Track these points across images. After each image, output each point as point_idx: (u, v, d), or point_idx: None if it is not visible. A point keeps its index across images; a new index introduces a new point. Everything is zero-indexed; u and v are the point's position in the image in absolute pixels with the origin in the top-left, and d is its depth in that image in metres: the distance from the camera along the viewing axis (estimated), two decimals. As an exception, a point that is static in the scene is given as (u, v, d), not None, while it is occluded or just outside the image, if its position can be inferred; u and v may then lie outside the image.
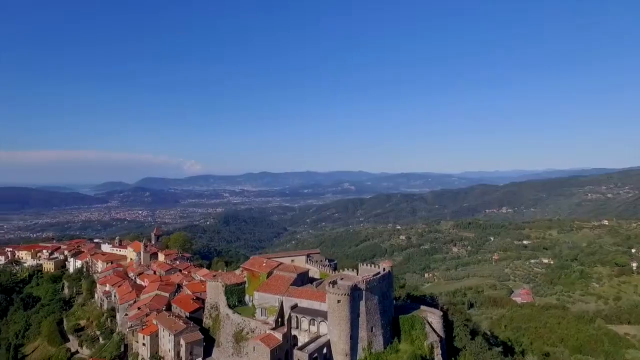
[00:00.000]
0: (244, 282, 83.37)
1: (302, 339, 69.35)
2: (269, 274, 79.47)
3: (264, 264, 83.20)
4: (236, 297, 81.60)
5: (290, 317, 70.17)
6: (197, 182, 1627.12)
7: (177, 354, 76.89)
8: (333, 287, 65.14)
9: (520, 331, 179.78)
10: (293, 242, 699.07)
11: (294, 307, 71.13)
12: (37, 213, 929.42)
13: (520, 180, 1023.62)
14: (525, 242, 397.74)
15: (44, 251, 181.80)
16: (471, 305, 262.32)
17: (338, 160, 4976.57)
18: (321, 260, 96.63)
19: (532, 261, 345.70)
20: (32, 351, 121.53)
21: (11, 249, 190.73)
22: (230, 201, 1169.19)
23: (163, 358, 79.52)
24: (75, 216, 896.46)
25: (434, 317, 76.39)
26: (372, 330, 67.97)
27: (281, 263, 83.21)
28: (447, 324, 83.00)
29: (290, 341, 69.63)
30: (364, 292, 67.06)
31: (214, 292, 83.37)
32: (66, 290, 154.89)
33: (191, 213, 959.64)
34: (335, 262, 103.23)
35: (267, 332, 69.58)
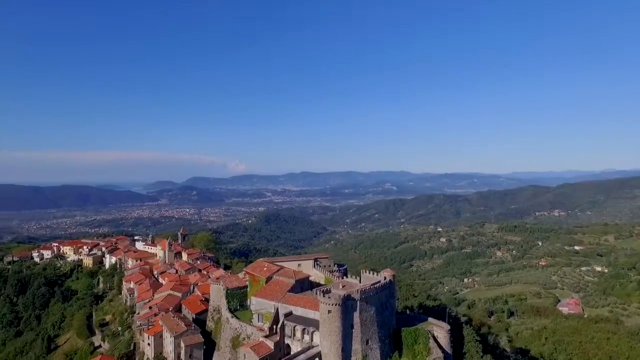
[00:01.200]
0: (246, 286, 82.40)
1: (295, 348, 67.00)
2: (268, 278, 77.87)
3: (265, 268, 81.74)
4: (237, 301, 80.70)
5: (283, 325, 68.08)
6: (241, 181, 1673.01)
7: (178, 355, 77.24)
8: (324, 296, 62.16)
9: (561, 345, 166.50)
10: (332, 242, 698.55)
11: (288, 315, 68.93)
12: (96, 210, 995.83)
13: (575, 181, 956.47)
14: (577, 247, 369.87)
15: (84, 247, 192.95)
16: (511, 314, 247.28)
17: (380, 160, 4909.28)
18: (329, 266, 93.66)
19: (584, 269, 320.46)
20: (64, 342, 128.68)
21: (57, 244, 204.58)
22: (272, 200, 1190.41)
23: (166, 359, 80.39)
24: (128, 213, 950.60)
25: (440, 331, 71.11)
26: (367, 343, 64.23)
27: (282, 268, 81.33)
28: (458, 339, 77.13)
29: (283, 350, 67.55)
30: (358, 302, 63.51)
31: (217, 295, 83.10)
32: (101, 286, 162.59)
33: (235, 211, 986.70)
34: (345, 267, 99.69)
35: (260, 339, 67.94)
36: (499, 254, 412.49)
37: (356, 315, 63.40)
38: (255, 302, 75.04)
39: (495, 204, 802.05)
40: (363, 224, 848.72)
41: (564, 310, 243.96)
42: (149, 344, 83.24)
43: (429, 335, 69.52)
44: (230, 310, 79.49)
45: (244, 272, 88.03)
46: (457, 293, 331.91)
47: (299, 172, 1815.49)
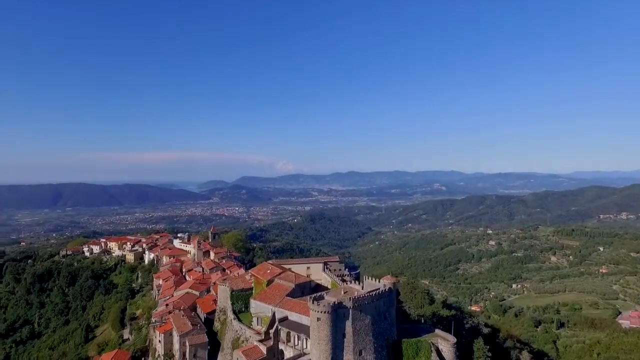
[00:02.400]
0: (252, 288, 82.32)
1: (288, 354, 65.64)
2: (269, 281, 77.14)
3: (268, 271, 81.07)
4: (242, 302, 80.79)
5: (277, 330, 67.00)
6: (289, 181, 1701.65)
7: (183, 354, 78.89)
8: (314, 302, 60.20)
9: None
10: (376, 242, 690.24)
11: (284, 320, 67.66)
12: (154, 207, 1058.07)
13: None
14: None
15: (128, 243, 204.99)
16: (561, 325, 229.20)
17: (428, 160, 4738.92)
18: (340, 269, 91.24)
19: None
20: (100, 333, 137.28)
21: (104, 240, 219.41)
22: (318, 200, 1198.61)
23: (174, 357, 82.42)
24: (182, 211, 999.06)
25: (445, 344, 66.35)
26: (360, 354, 61.32)
27: (284, 271, 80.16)
28: (467, 353, 71.58)
29: (277, 355, 66.46)
30: (350, 310, 60.81)
31: (223, 296, 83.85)
32: (139, 280, 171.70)
33: (282, 210, 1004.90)
34: (358, 271, 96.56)
35: (254, 343, 67.36)
36: (553, 259, 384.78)
37: (348, 324, 60.73)
38: (254, 305, 74.68)
39: (554, 205, 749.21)
40: (409, 224, 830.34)
41: (624, 323, 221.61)
42: (159, 341, 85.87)
43: (432, 348, 65.12)
44: (234, 312, 79.86)
45: (250, 274, 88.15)
46: (504, 299, 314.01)
47: (346, 171, 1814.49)
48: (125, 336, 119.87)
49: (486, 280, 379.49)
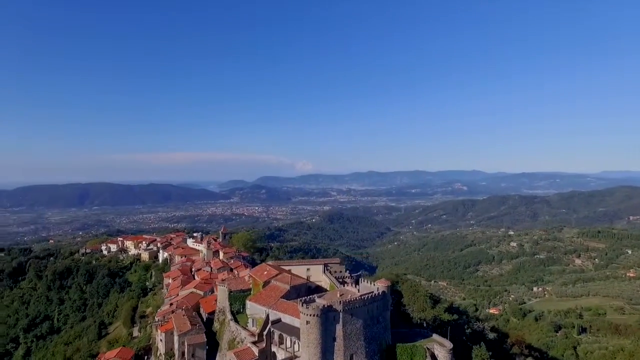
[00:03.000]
0: (250, 289, 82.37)
1: (280, 356, 65.22)
2: (265, 283, 76.92)
3: (265, 272, 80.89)
4: (240, 303, 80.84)
5: (270, 332, 66.71)
6: (308, 181, 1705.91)
7: (182, 354, 79.66)
8: (303, 305, 59.59)
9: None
10: (395, 243, 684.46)
11: (276, 322, 67.27)
12: (176, 206, 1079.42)
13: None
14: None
15: (143, 242, 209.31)
16: (583, 330, 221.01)
17: (449, 159, 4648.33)
18: (341, 271, 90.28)
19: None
20: (113, 330, 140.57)
21: (122, 239, 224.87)
22: (337, 200, 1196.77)
23: (174, 356, 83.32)
24: (203, 210, 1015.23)
25: (441, 350, 64.54)
26: (351, 358, 60.37)
27: (281, 273, 79.71)
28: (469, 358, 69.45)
29: (269, 357, 66.15)
30: (340, 313, 59.92)
31: (222, 297, 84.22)
32: (153, 279, 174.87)
33: (300, 210, 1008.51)
34: (359, 273, 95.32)
35: (248, 345, 67.30)
36: (578, 261, 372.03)
37: (339, 327, 59.85)
38: (249, 307, 74.62)
39: (580, 206, 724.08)
40: (429, 225, 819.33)
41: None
42: (161, 340, 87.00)
43: (427, 354, 63.50)
44: (232, 313, 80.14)
45: (248, 275, 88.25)
46: (524, 303, 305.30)
47: (365, 171, 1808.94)
48: (135, 334, 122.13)
49: (506, 282, 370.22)
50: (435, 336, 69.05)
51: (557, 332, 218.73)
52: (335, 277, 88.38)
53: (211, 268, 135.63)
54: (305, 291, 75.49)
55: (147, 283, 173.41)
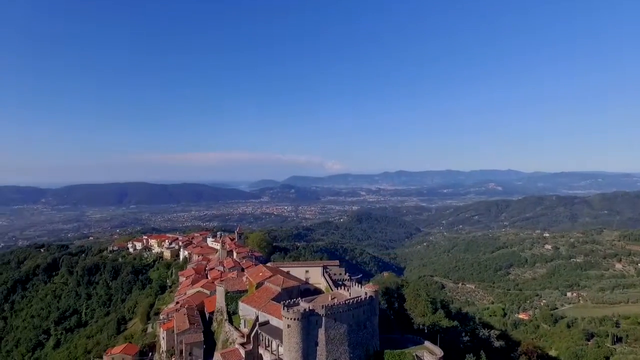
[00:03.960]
0: (247, 290, 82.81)
1: (266, 359, 65.16)
2: (259, 284, 77.07)
3: (260, 274, 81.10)
4: (236, 304, 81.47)
5: (257, 334, 66.73)
6: (337, 180, 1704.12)
7: (180, 352, 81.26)
8: (284, 308, 59.16)
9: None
10: (424, 244, 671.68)
11: (264, 324, 67.19)
12: (208, 205, 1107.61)
13: None
14: None
15: (166, 241, 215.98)
16: (618, 340, 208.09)
17: (483, 159, 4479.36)
18: (341, 274, 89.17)
19: None
20: (131, 326, 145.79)
21: (146, 237, 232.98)
22: (366, 200, 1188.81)
23: (175, 354, 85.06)
24: (234, 209, 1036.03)
25: (430, 358, 62.24)
26: (334, 364, 59.38)
27: (274, 274, 79.59)
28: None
29: (256, 359, 66.20)
30: (323, 318, 58.99)
31: (221, 297, 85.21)
32: (172, 277, 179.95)
33: (329, 210, 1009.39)
34: (360, 276, 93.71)
35: (236, 346, 67.67)
36: (618, 266, 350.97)
37: (321, 332, 58.93)
38: (242, 308, 75.00)
39: (625, 207, 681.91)
40: (460, 226, 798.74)
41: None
42: (163, 338, 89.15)
43: (416, 361, 61.53)
44: (228, 313, 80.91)
45: (246, 277, 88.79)
46: (556, 308, 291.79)
47: (395, 171, 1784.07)
48: (149, 330, 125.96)
49: (539, 287, 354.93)
50: (427, 343, 66.75)
51: (588, 340, 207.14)
52: (334, 280, 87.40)
53: (223, 267, 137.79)
54: (298, 293, 75.02)
55: (168, 281, 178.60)
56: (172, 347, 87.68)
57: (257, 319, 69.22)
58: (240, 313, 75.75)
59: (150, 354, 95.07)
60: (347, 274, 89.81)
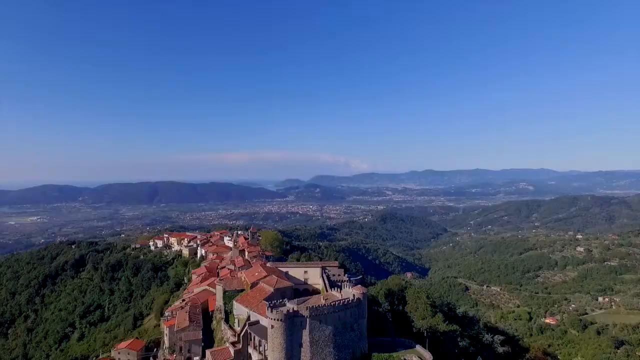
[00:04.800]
0: (244, 289, 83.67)
1: (255, 358, 65.56)
2: (253, 284, 77.63)
3: (256, 274, 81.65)
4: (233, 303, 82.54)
5: (247, 334, 67.26)
6: (363, 180, 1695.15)
7: (180, 349, 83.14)
8: (269, 309, 59.35)
9: None
10: (450, 244, 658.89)
11: (253, 324, 67.60)
12: (235, 204, 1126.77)
13: None
14: None
15: (185, 239, 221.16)
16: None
17: (514, 157, 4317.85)
18: (339, 275, 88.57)
19: None
20: (147, 322, 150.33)
21: (167, 236, 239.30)
22: (392, 199, 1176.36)
23: (176, 350, 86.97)
24: (260, 208, 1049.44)
25: (419, 363, 60.95)
26: (319, 365, 59.05)
27: (268, 274, 79.83)
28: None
29: (245, 358, 66.74)
30: (307, 319, 58.79)
31: (219, 296, 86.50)
32: (189, 275, 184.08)
33: (354, 209, 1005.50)
34: (360, 277, 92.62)
35: (227, 345, 68.47)
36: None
37: (305, 333, 58.74)
38: (236, 307, 75.80)
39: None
40: (489, 226, 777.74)
41: None
42: (166, 335, 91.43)
43: (404, 366, 60.34)
44: (225, 312, 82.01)
45: (244, 276, 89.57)
46: (586, 313, 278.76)
47: (422, 170, 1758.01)
48: (162, 326, 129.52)
49: (568, 290, 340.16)
50: (418, 347, 65.36)
51: (617, 348, 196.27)
52: (333, 281, 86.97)
53: (234, 266, 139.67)
54: (291, 294, 75.13)
55: (185, 278, 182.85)
56: (174, 344, 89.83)
57: (248, 318, 69.83)
58: (234, 312, 76.64)
59: (155, 349, 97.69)
60: (346, 275, 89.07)
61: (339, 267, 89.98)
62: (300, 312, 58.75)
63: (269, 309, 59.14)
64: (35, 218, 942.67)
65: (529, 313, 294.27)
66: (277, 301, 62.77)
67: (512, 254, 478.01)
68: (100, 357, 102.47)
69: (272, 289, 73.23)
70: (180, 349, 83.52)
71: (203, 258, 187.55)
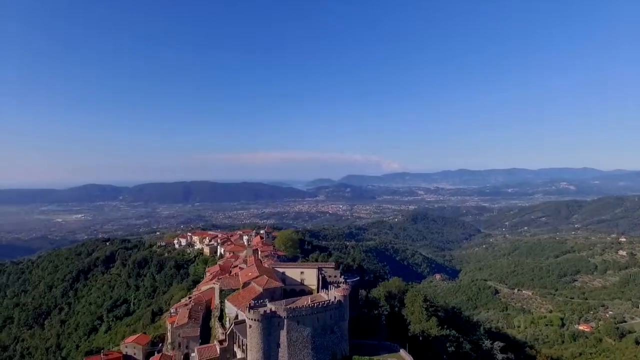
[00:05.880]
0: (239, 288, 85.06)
1: (239, 356, 66.61)
2: (245, 284, 78.73)
3: (250, 274, 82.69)
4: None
5: (232, 332, 68.43)
6: (394, 179, 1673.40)
7: (178, 345, 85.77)
8: (247, 309, 60.17)
9: None
10: (483, 246, 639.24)
11: (240, 323, 68.52)
12: (266, 204, 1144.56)
13: None
14: None
15: (207, 238, 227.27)
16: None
17: (554, 156, 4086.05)
18: (336, 276, 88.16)
19: None
20: (164, 317, 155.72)
21: (190, 234, 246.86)
22: (424, 199, 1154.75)
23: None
24: (290, 207, 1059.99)
25: (400, 368, 59.80)
26: (297, 366, 59.22)
27: (260, 275, 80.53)
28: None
29: (230, 357, 67.89)
30: (285, 320, 59.13)
31: (217, 294, 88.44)
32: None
33: (384, 209, 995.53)
34: (357, 278, 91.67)
35: (215, 342, 69.96)
36: None
37: (283, 334, 59.06)
38: (227, 306, 77.29)
39: None
40: (525, 227, 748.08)
41: None
42: (169, 331, 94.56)
43: (384, 370, 59.42)
44: (221, 310, 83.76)
45: (239, 275, 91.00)
46: (624, 321, 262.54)
47: (455, 169, 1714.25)
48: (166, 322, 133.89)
49: (608, 297, 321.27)
50: (402, 352, 64.12)
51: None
52: (330, 282, 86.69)
53: (246, 265, 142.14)
54: (281, 294, 75.72)
55: (203, 276, 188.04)
56: (174, 340, 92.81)
57: (236, 317, 71.03)
58: (226, 311, 78.21)
59: (160, 344, 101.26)
60: (343, 276, 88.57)
61: (335, 269, 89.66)
62: (277, 312, 59.19)
63: (248, 309, 59.98)
64: (80, 216, 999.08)
65: (562, 319, 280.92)
66: (262, 301, 63.54)
67: (548, 256, 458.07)
68: (111, 350, 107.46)
69: (261, 289, 74.11)
70: (179, 344, 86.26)
71: (222, 257, 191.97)
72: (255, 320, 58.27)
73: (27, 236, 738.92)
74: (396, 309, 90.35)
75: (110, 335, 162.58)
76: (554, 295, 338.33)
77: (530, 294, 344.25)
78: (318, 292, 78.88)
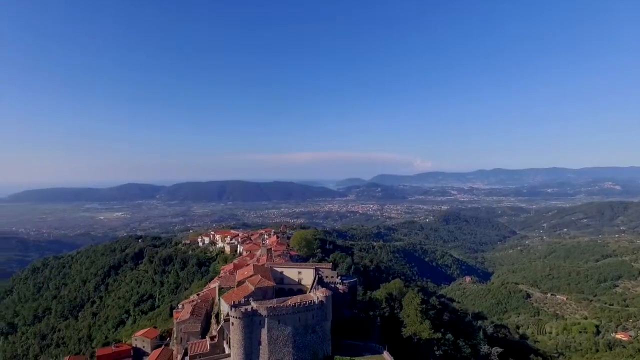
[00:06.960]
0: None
1: (227, 352, 68.47)
2: (239, 282, 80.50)
3: (246, 273, 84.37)
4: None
5: (222, 329, 70.42)
6: (426, 179, 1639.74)
7: (180, 340, 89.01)
8: (231, 307, 61.82)
9: None
10: (518, 248, 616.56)
11: (229, 320, 70.55)
12: (297, 203, 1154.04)
13: None
14: None
15: (228, 237, 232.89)
16: None
17: (597, 154, 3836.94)
18: (332, 277, 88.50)
19: None
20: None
21: (213, 233, 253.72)
22: (457, 199, 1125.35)
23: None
24: (321, 207, 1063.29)
25: (381, 371, 59.50)
26: (277, 364, 60.25)
27: (255, 274, 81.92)
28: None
29: (220, 352, 69.85)
30: (266, 318, 60.32)
31: (216, 292, 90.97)
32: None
33: (416, 209, 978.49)
34: (355, 279, 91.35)
35: (207, 338, 72.20)
36: None
37: (264, 332, 60.28)
38: (222, 303, 79.48)
39: None
40: (565, 229, 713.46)
41: None
42: (175, 326, 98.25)
43: (364, 372, 59.34)
44: (219, 308, 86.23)
45: (236, 274, 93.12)
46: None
47: (491, 169, 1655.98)
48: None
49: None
50: (385, 354, 63.81)
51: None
52: (326, 282, 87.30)
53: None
54: (273, 293, 77.02)
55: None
56: (178, 334, 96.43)
57: (227, 314, 73.01)
58: (221, 309, 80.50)
59: (167, 338, 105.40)
60: (339, 277, 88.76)
61: (332, 269, 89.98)
62: (259, 311, 60.51)
63: (231, 307, 61.69)
64: (120, 214, 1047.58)
65: (597, 326, 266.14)
66: (251, 299, 65.14)
67: (588, 260, 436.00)
68: (125, 342, 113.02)
69: (253, 288, 75.74)
70: (181, 339, 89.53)
71: (240, 255, 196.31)
72: (237, 317, 59.86)
73: (72, 232, 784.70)
74: (396, 310, 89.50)
75: (133, 328, 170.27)
76: (591, 301, 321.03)
77: (564, 299, 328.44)
78: (311, 292, 79.59)
